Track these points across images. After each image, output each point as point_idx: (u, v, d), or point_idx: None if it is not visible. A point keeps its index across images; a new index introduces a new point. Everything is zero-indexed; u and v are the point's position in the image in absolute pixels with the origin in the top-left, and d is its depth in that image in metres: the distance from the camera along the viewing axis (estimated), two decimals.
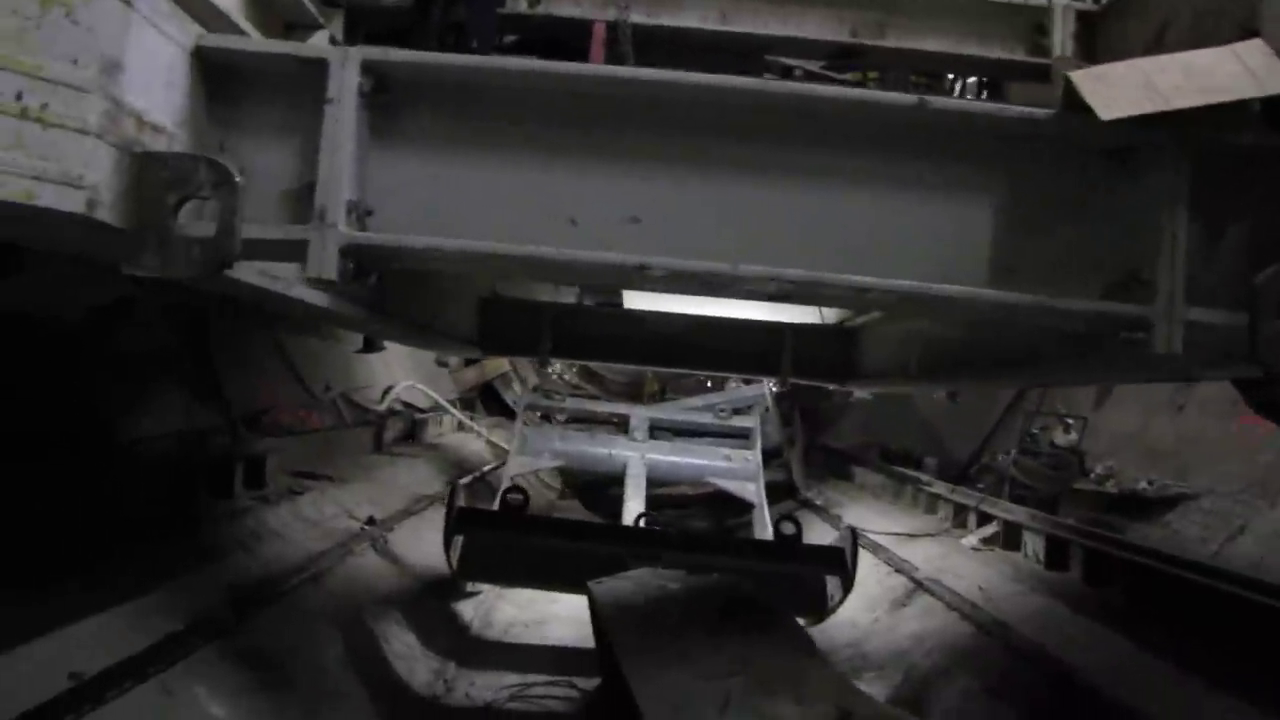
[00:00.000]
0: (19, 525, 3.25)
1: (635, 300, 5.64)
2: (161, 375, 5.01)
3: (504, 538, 4.76)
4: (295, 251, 1.87)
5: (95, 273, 3.09)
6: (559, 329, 5.54)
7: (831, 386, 5.86)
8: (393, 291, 3.60)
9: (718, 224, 1.97)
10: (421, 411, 8.53)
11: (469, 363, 10.97)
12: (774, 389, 8.31)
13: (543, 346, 5.49)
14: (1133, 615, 3.98)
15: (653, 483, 6.77)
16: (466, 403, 10.08)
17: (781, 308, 5.55)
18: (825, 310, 5.49)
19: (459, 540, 4.83)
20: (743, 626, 3.50)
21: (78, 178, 1.60)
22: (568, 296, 5.86)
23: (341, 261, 1.88)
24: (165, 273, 1.73)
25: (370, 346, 5.14)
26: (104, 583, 3.27)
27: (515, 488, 4.94)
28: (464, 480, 6.59)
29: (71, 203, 1.61)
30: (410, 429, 8.03)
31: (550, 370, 10.12)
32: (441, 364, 7.13)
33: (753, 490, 6.98)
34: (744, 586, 3.92)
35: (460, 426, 8.96)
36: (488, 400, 10.80)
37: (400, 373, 8.72)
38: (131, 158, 1.71)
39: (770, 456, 7.87)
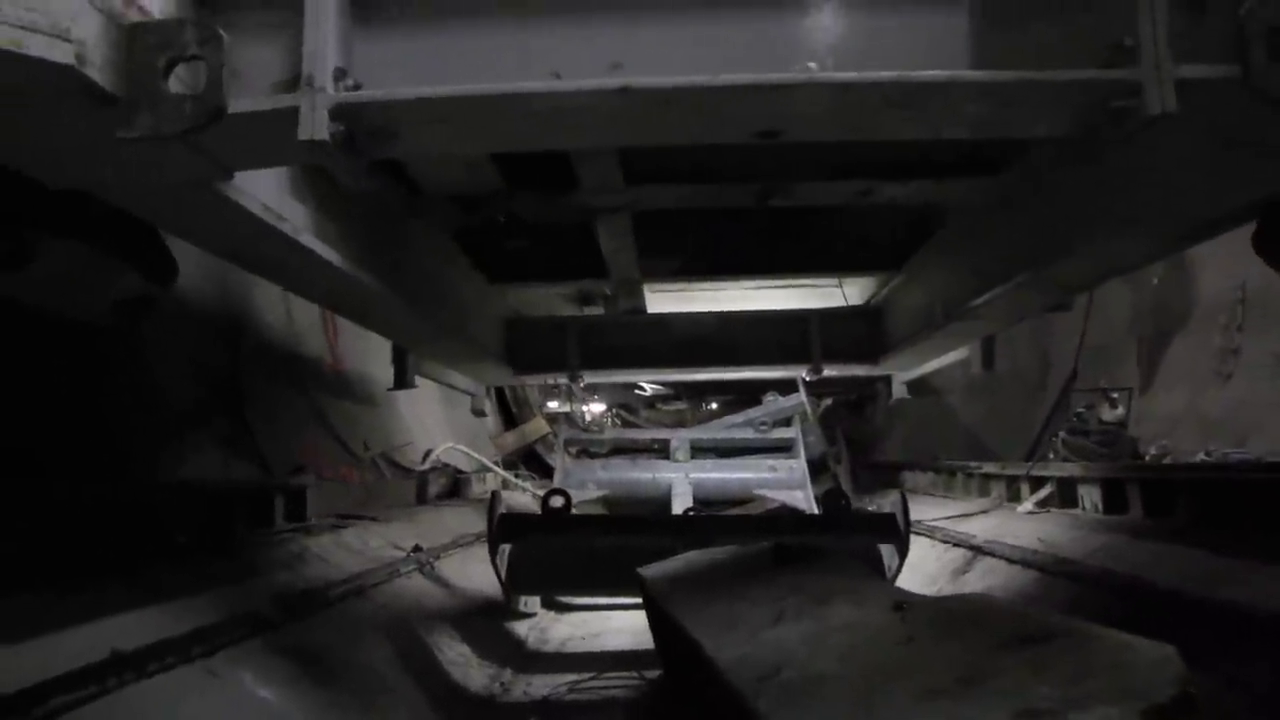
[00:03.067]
0: (54, 536, 3.27)
1: (659, 304, 5.68)
2: (195, 428, 5.08)
3: (551, 541, 4.68)
4: (285, 120, 1.90)
5: (110, 264, 3.16)
6: (586, 343, 5.64)
7: (864, 372, 5.81)
8: (416, 287, 3.71)
9: (697, 58, 1.98)
10: (463, 473, 8.54)
11: (508, 426, 11.07)
12: (809, 398, 8.27)
13: (571, 361, 5.57)
14: (1198, 532, 3.85)
15: (700, 503, 6.68)
16: (508, 466, 10.08)
17: (806, 295, 5.63)
18: (848, 291, 5.52)
19: (505, 551, 4.75)
20: (796, 568, 3.42)
21: (65, 30, 1.64)
22: (593, 310, 5.86)
23: (332, 124, 1.90)
24: (160, 129, 1.76)
25: (401, 381, 5.15)
26: (146, 587, 3.26)
27: (556, 491, 4.87)
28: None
29: (61, 54, 1.64)
30: (453, 486, 8.01)
31: (586, 414, 10.16)
32: (478, 413, 7.12)
33: (801, 497, 6.87)
34: (796, 541, 3.84)
35: (505, 485, 8.93)
36: (530, 463, 10.82)
37: (439, 437, 8.77)
38: (119, 29, 1.76)
39: (816, 470, 7.76)
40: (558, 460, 7.78)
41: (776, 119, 2.05)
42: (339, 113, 1.91)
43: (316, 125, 1.89)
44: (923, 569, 5.08)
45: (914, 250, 4.57)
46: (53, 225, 2.92)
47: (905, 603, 2.61)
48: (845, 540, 4.40)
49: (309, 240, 2.75)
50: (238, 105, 1.86)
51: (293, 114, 1.90)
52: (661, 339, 5.64)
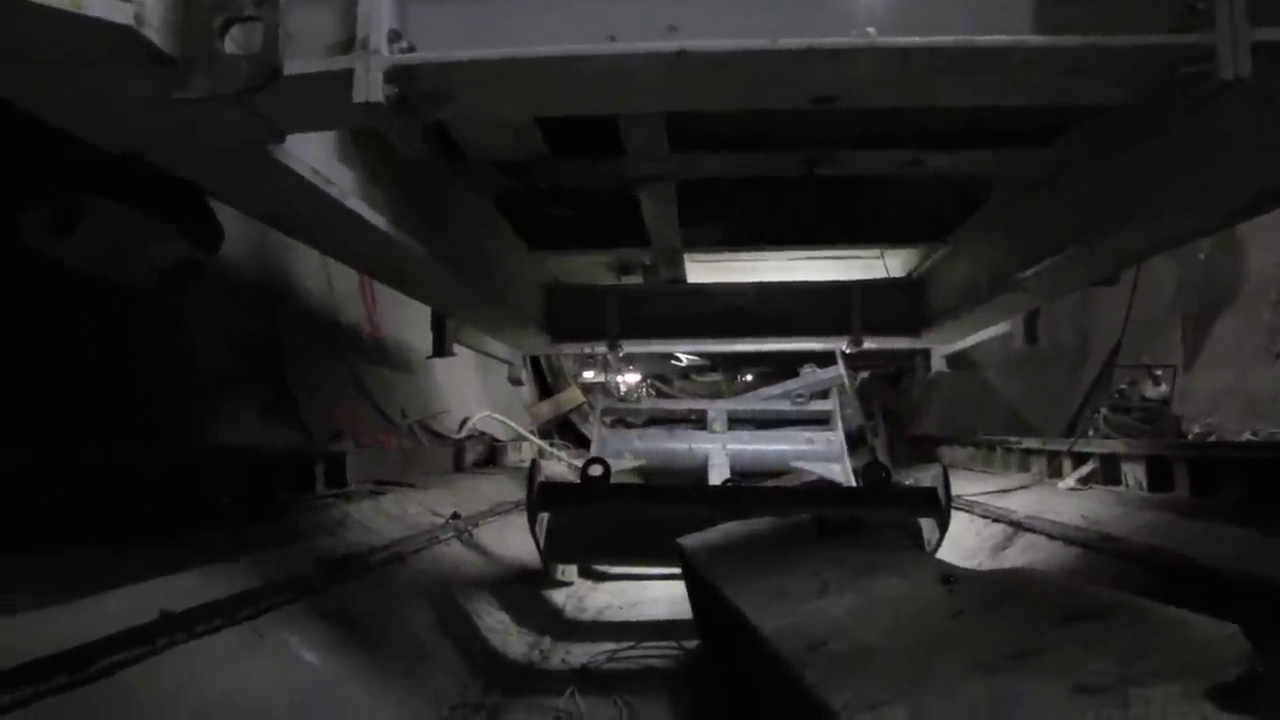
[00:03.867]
0: (101, 499, 3.31)
1: (699, 274, 5.66)
2: (236, 394, 5.13)
3: (590, 510, 4.70)
4: (340, 83, 1.90)
5: (157, 229, 3.18)
6: (625, 312, 5.64)
7: (905, 345, 5.77)
8: (458, 252, 3.72)
9: (753, 22, 1.94)
10: (499, 441, 8.59)
11: (543, 396, 11.11)
12: (847, 371, 8.23)
13: (610, 330, 5.57)
14: (1247, 512, 3.79)
15: (736, 474, 6.68)
16: (543, 435, 10.12)
17: (847, 266, 5.60)
18: (890, 263, 5.48)
19: (544, 519, 4.78)
20: (838, 540, 3.42)
21: None
22: (631, 279, 5.85)
23: (387, 87, 1.90)
24: (216, 90, 1.77)
25: (440, 349, 5.17)
26: (193, 550, 3.29)
27: (595, 459, 4.88)
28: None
29: (121, 14, 1.66)
30: (490, 454, 8.07)
31: (621, 385, 10.17)
32: (515, 381, 7.16)
33: (838, 470, 6.85)
34: (837, 514, 3.83)
35: (540, 454, 8.97)
36: (565, 433, 10.87)
37: (475, 405, 8.82)
38: None
39: (853, 443, 7.72)
40: (594, 430, 7.81)
41: (833, 85, 2.02)
42: (394, 75, 1.90)
43: (371, 87, 1.89)
44: (962, 544, 5.06)
45: (960, 221, 4.52)
46: (101, 189, 2.95)
47: (952, 576, 2.60)
48: (886, 513, 4.37)
49: (355, 204, 2.76)
50: (292, 67, 1.86)
51: (347, 76, 1.90)
52: (701, 309, 5.64)
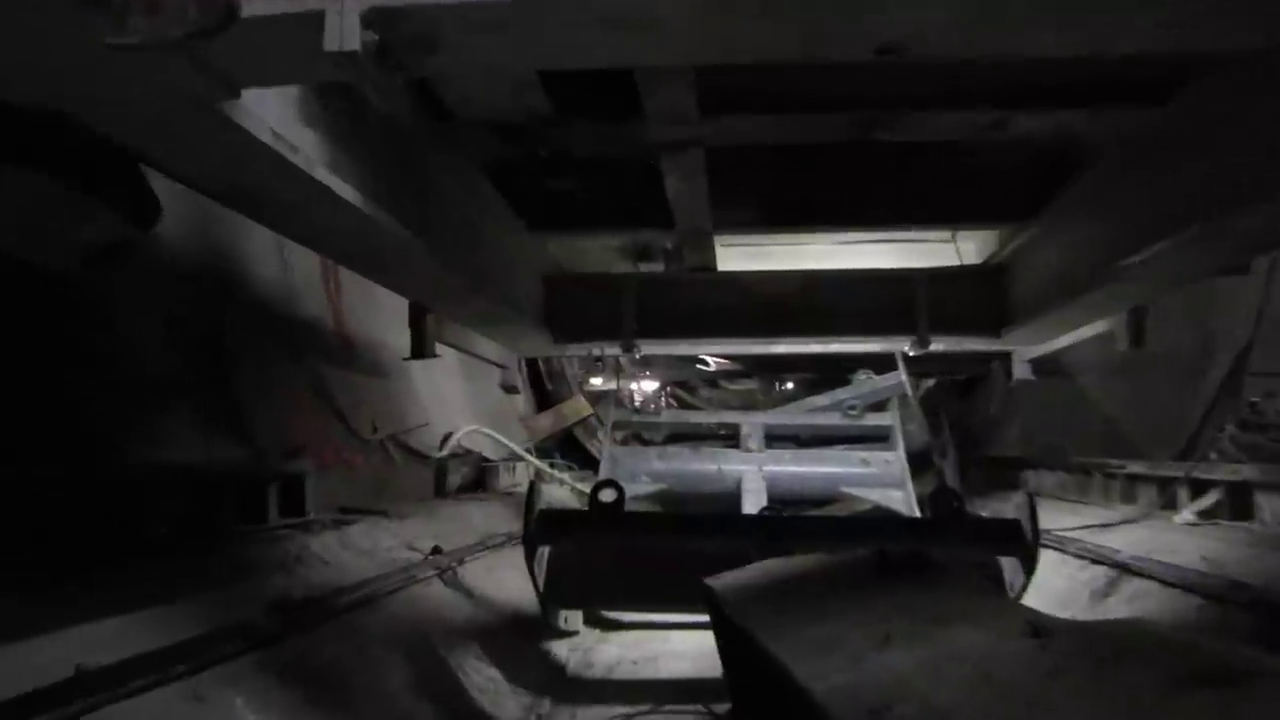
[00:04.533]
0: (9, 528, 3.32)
1: (731, 260, 5.68)
2: (172, 402, 5.12)
3: (601, 544, 4.69)
4: (308, 28, 1.90)
5: (82, 202, 3.17)
6: (643, 306, 5.66)
7: (980, 346, 5.76)
8: (443, 232, 3.74)
9: None
10: (489, 461, 8.61)
11: (542, 406, 11.13)
12: (909, 378, 8.20)
13: (625, 327, 5.58)
14: None
15: (776, 502, 6.65)
16: (542, 454, 10.15)
17: (910, 251, 5.61)
18: (963, 247, 5.47)
19: (544, 554, 4.78)
20: (902, 582, 3.39)
21: None
22: (650, 266, 5.86)
23: (365, 32, 1.90)
24: (159, 36, 1.77)
25: (420, 349, 5.17)
26: (116, 591, 3.27)
27: (605, 482, 4.87)
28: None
29: None
30: (478, 476, 8.10)
31: (635, 393, 10.17)
32: (509, 389, 7.21)
33: (899, 498, 6.84)
34: (900, 550, 3.81)
35: (539, 476, 8.97)
36: (568, 451, 10.90)
37: (461, 418, 8.84)
38: None
39: (918, 465, 7.70)
40: (604, 447, 7.82)
41: (903, 31, 2.01)
42: (372, 18, 1.92)
43: (346, 33, 1.90)
44: (1052, 590, 5.01)
45: (1050, 197, 4.52)
46: (14, 155, 2.91)
47: (1044, 627, 2.57)
48: (959, 550, 4.37)
49: (323, 175, 2.78)
50: (252, 8, 1.87)
51: (317, 20, 1.91)
52: (734, 303, 5.66)
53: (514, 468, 8.91)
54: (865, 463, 7.34)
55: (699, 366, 13.19)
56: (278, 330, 6.30)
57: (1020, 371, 6.39)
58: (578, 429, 11.17)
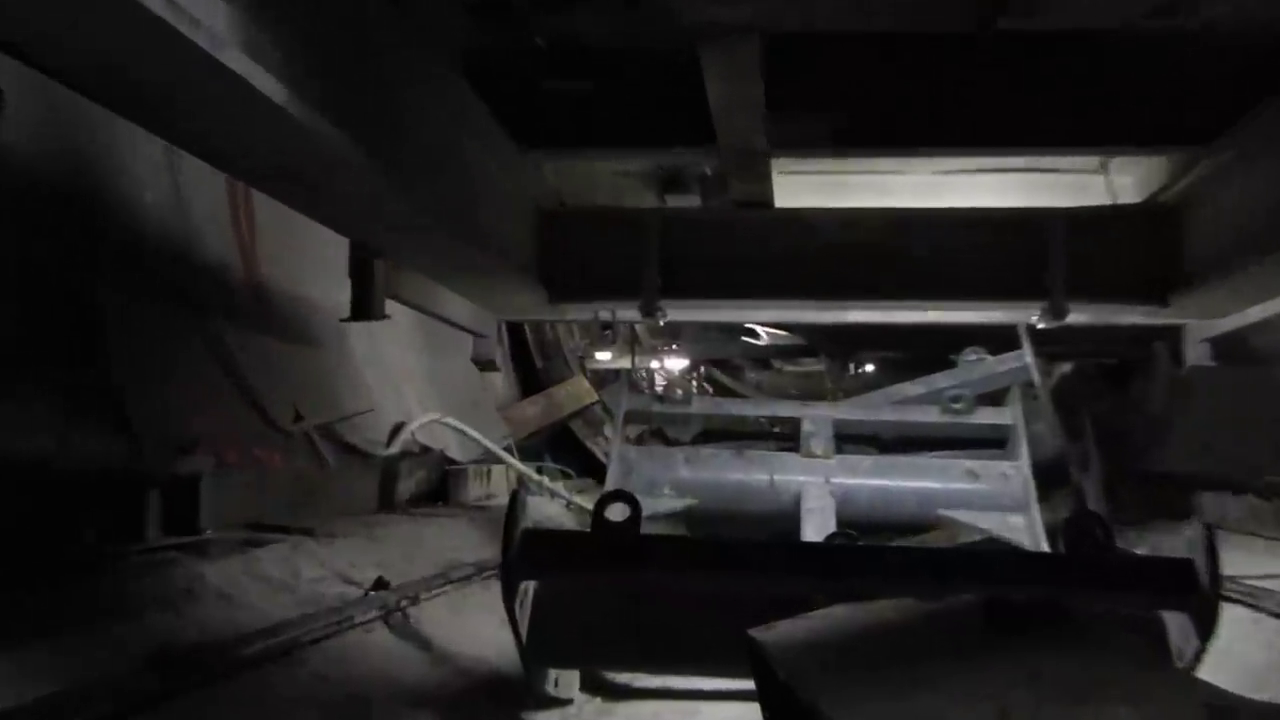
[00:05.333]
0: None
1: (792, 193, 5.66)
2: (16, 373, 5.08)
3: (606, 577, 4.64)
4: None
5: None
6: (671, 253, 5.61)
7: (1139, 318, 5.72)
8: (400, 147, 3.73)
9: None
10: (455, 463, 8.63)
11: (529, 391, 11.10)
12: (1037, 360, 8.06)
13: (647, 282, 5.55)
14: None
15: (848, 525, 6.52)
16: (527, 455, 10.16)
17: (1041, 185, 5.64)
18: (1117, 180, 5.44)
19: (529, 591, 4.74)
20: (1025, 640, 3.37)
21: None
22: (682, 200, 5.83)
23: None
24: None
25: (364, 308, 5.13)
26: None
27: (615, 494, 4.80)
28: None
29: None
30: (440, 483, 8.13)
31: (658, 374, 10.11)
32: (485, 365, 7.11)
33: (1022, 525, 6.66)
34: (1022, 596, 3.79)
35: (523, 484, 8.95)
36: (563, 452, 10.92)
37: (418, 403, 8.80)
38: None
39: (1048, 480, 7.56)
40: (612, 447, 7.68)
41: None
42: None
43: None
44: (1242, 660, 4.91)
45: (1243, 111, 4.47)
46: None
47: (1231, 711, 2.57)
48: (1105, 599, 4.27)
49: (236, 61, 2.73)
50: None
51: None
52: (795, 252, 5.63)
53: (489, 473, 8.90)
54: (974, 476, 7.13)
55: (745, 340, 13.10)
56: (166, 279, 6.25)
57: (1195, 355, 6.35)
58: (576, 421, 11.18)
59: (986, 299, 5.70)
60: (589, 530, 4.62)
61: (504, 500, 8.24)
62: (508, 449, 9.45)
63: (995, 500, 6.99)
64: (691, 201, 5.86)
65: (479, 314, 6.51)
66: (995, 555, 5.89)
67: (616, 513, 4.62)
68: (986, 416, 7.68)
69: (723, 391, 12.92)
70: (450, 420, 8.62)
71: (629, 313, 5.85)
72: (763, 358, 13.98)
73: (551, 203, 5.71)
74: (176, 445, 5.68)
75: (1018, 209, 5.59)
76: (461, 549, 6.56)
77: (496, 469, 9.04)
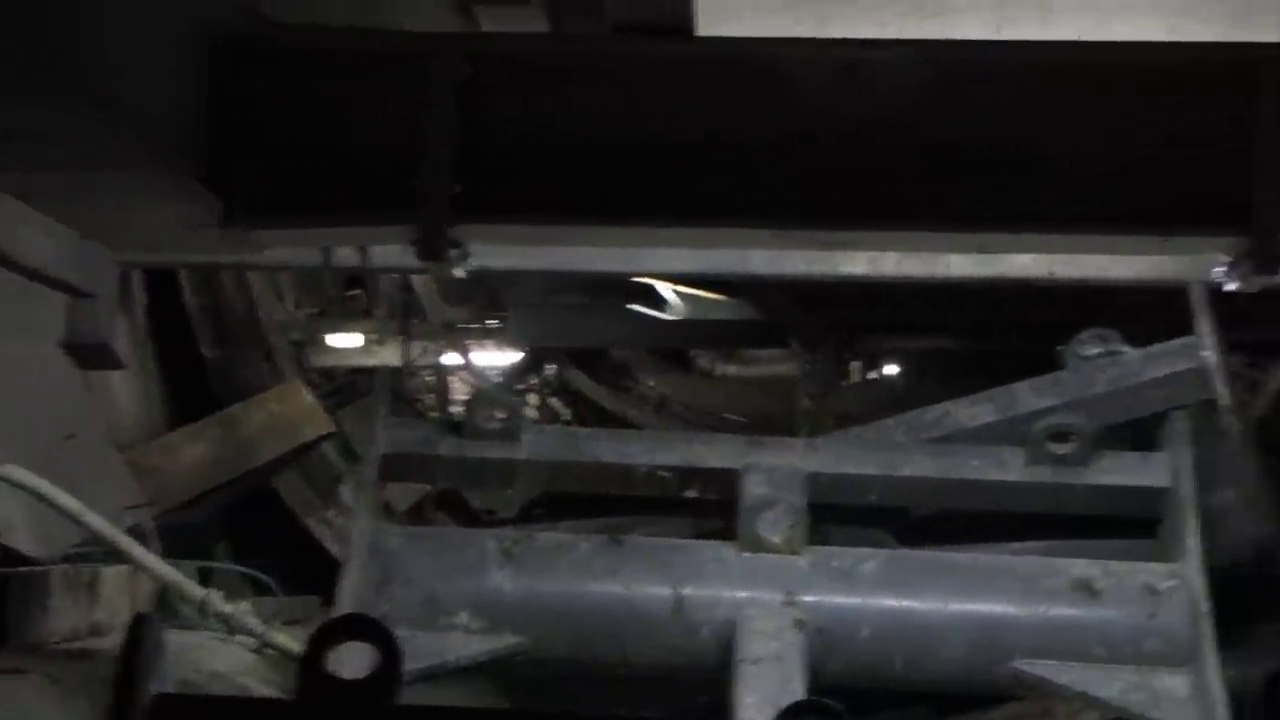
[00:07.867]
0: None
1: (740, 16, 4.02)
2: None
3: None
4: None
5: None
6: (481, 126, 3.62)
7: None
8: None
9: None
10: (24, 560, 5.84)
11: (185, 413, 8.26)
12: (1220, 355, 5.58)
13: (431, 186, 3.59)
14: None
15: (834, 684, 4.27)
16: (184, 539, 7.33)
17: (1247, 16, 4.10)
18: None
19: None
20: None
21: None
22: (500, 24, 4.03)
23: None
24: None
25: None
26: None
27: (352, 621, 3.75)
28: None
29: None
30: None
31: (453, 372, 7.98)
32: (93, 354, 4.98)
33: (1184, 693, 4.47)
34: None
35: (165, 599, 6.24)
36: (256, 538, 8.16)
37: None
38: None
39: (1245, 596, 5.22)
40: (354, 526, 5.32)
41: None
42: None
43: None
44: None
45: None
46: None
47: None
48: None
49: None
50: None
51: None
52: (740, 129, 3.64)
53: (96, 580, 6.51)
54: (1089, 591, 4.79)
55: (635, 310, 9.87)
56: None
57: None
58: (287, 475, 8.38)
59: (1125, 228, 3.73)
60: (293, 698, 3.34)
61: (123, 638, 6.13)
62: (137, 530, 6.89)
63: (1132, 641, 4.65)
64: (529, 22, 3.99)
65: (79, 251, 4.38)
66: None
67: (353, 663, 3.00)
68: (1120, 471, 5.16)
69: (590, 415, 10.15)
70: (12, 472, 6.00)
71: (396, 251, 4.07)
72: (671, 347, 10.75)
73: (238, 21, 3.70)
74: None
75: (1198, 44, 3.75)
76: None
77: (112, 573, 6.51)
